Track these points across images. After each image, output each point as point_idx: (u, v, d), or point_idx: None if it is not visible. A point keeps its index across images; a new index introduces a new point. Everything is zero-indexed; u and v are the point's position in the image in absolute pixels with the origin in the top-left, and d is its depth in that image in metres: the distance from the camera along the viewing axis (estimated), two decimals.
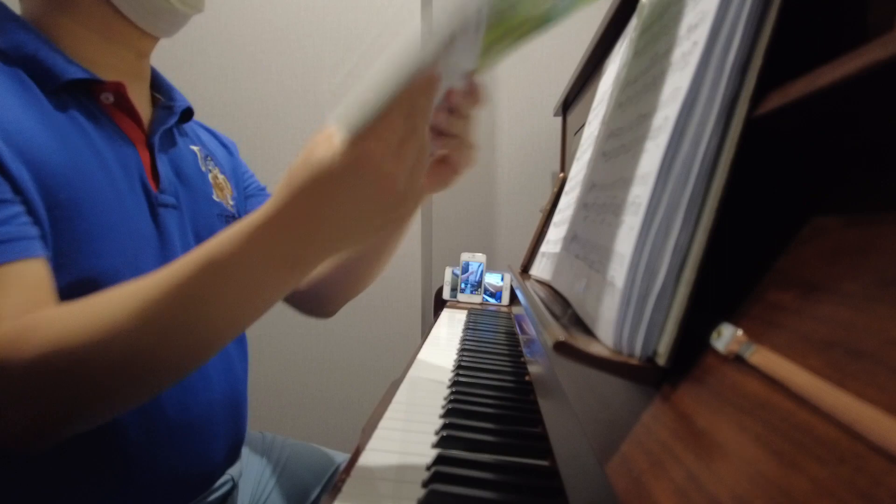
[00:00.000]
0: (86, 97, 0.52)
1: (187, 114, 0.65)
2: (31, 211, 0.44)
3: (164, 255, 0.55)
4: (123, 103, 0.55)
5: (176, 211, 0.58)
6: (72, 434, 0.42)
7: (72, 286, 0.45)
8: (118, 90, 0.54)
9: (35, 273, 0.42)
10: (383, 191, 0.35)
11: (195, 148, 0.66)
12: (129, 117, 0.56)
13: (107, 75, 0.54)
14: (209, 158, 0.68)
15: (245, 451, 0.72)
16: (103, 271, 0.48)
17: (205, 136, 0.71)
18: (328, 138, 0.34)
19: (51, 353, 0.37)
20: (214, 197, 0.65)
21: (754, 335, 0.24)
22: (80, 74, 0.51)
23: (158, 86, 0.63)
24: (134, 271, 0.50)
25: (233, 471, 0.66)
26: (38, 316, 0.40)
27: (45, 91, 0.49)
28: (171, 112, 0.61)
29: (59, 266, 0.45)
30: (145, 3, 0.53)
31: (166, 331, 0.38)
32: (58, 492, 0.48)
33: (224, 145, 0.75)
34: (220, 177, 0.68)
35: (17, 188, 0.43)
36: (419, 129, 0.35)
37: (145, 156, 0.56)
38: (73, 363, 0.38)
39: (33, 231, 0.43)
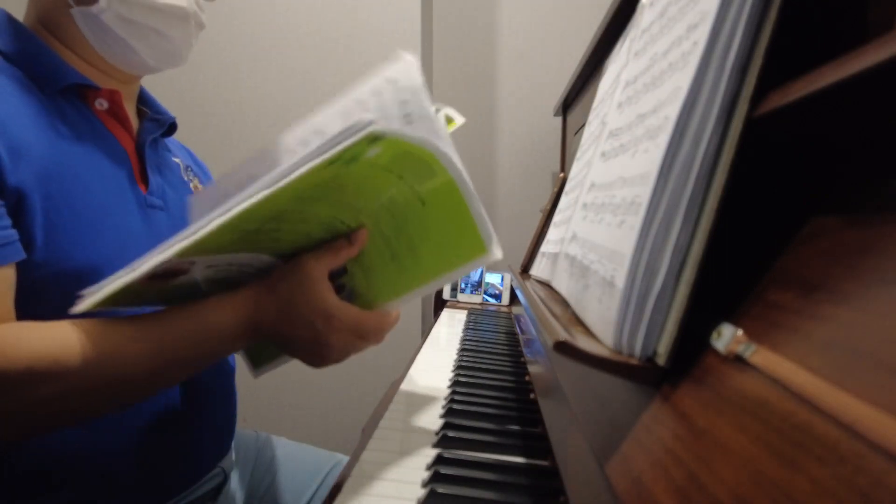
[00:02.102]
0: (81, 102, 0.54)
1: (172, 128, 0.67)
2: (23, 203, 0.44)
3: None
4: (116, 110, 0.57)
5: (164, 212, 0.59)
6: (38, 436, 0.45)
7: (59, 277, 0.47)
8: (112, 98, 0.56)
9: (5, 280, 0.43)
10: (322, 353, 0.47)
11: (177, 160, 0.68)
12: (121, 124, 0.58)
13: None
14: (189, 170, 0.70)
15: (238, 449, 0.73)
16: (91, 264, 0.49)
17: (182, 153, 0.73)
18: (328, 294, 0.46)
19: (49, 363, 0.39)
20: None
21: (754, 335, 0.24)
22: (77, 79, 0.52)
23: (145, 101, 0.65)
24: (122, 266, 0.51)
25: (223, 463, 0.66)
26: (22, 326, 0.41)
27: (43, 93, 0.50)
28: (159, 124, 0.63)
29: (49, 257, 0.46)
30: (118, 54, 0.55)
31: (163, 363, 0.43)
32: (38, 484, 0.48)
33: (198, 164, 0.77)
34: (200, 186, 0.70)
35: (2, 187, 0.43)
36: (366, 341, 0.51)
37: (135, 161, 0.58)
38: (69, 376, 0.39)
39: (13, 234, 0.44)
